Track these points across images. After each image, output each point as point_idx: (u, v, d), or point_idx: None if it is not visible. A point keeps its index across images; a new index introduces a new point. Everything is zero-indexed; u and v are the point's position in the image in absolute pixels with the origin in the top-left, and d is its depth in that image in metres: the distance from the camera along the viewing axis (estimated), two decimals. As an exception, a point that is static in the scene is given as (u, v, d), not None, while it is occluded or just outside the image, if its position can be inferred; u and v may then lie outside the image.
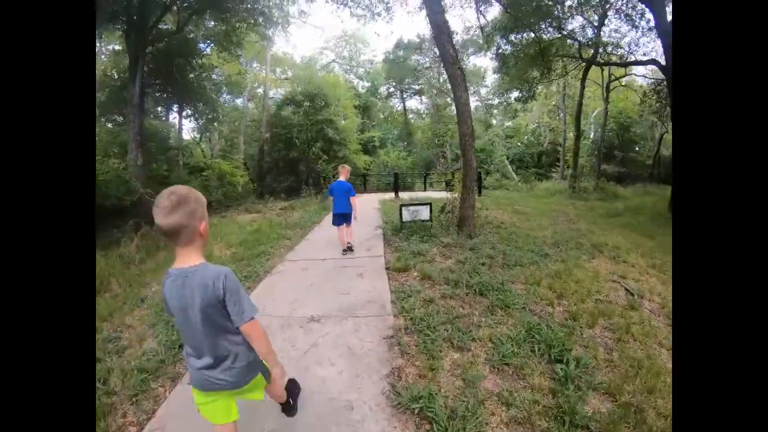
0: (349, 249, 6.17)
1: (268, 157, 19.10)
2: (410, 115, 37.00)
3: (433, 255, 5.88)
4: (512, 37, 16.70)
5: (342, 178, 6.25)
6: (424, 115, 36.93)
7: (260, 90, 23.05)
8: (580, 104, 20.38)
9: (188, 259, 1.55)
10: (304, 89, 17.76)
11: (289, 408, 2.30)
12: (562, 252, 6.38)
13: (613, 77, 20.67)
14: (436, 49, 31.92)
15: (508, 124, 38.16)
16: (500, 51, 17.27)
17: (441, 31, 7.08)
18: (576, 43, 17.03)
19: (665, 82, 14.66)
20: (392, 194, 14.73)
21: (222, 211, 13.57)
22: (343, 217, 6.18)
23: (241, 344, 1.66)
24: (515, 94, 20.29)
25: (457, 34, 31.67)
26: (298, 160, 17.38)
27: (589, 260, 6.00)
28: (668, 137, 25.33)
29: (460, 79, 7.03)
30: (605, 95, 20.59)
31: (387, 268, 5.33)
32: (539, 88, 19.88)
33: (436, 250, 6.12)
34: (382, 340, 3.39)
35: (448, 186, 18.65)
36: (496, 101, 39.49)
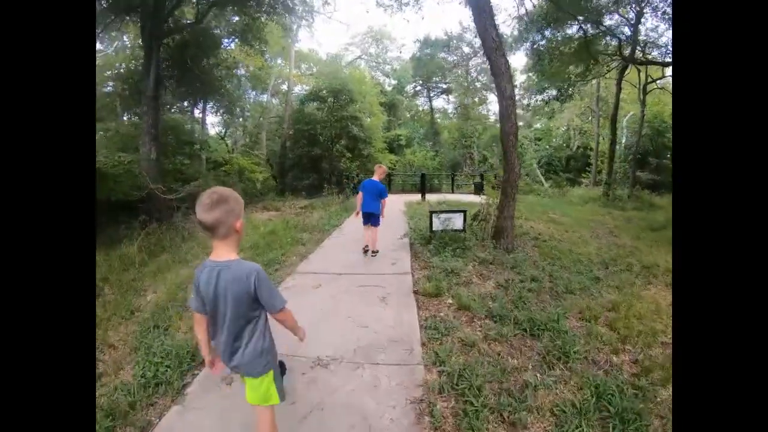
0: (372, 253, 5.86)
1: (291, 154, 18.37)
2: (436, 115, 35.92)
3: (469, 274, 4.95)
4: (547, 32, 15.51)
5: (376, 177, 5.98)
6: (451, 115, 35.78)
7: (284, 86, 22.39)
8: (617, 106, 18.92)
9: (224, 253, 1.67)
10: (329, 84, 16.97)
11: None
12: (613, 274, 5.49)
13: (649, 79, 19.05)
14: (464, 48, 31.49)
15: (537, 126, 36.57)
16: (535, 46, 16.03)
17: (483, 13, 6.10)
18: (615, 40, 15.68)
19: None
20: (418, 196, 13.79)
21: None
22: (369, 217, 5.89)
23: (256, 333, 1.77)
24: (552, 92, 18.84)
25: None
26: (321, 157, 16.57)
27: (644, 287, 5.11)
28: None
29: (504, 68, 6.03)
30: (642, 98, 18.98)
31: (415, 292, 4.42)
32: (577, 86, 18.47)
33: (472, 268, 5.18)
34: (409, 405, 2.49)
35: (478, 189, 17.62)
36: (525, 101, 38.24)
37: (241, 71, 24.14)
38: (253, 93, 24.88)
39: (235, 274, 1.64)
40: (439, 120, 35.76)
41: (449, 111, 36.28)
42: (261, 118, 21.96)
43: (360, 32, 32.42)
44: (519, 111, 36.44)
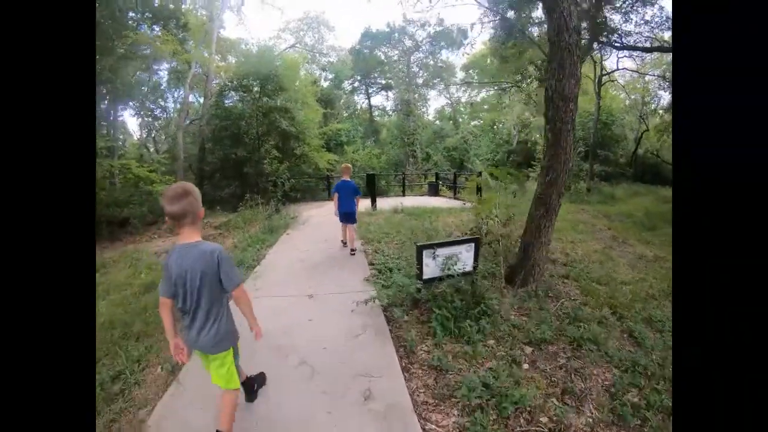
0: (351, 251, 5.64)
1: (211, 157, 14.72)
2: (375, 113, 33.31)
3: (537, 392, 2.29)
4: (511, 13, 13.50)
5: (346, 177, 5.91)
6: (390, 112, 33.32)
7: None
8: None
9: (190, 236, 1.83)
10: (255, 71, 13.34)
11: (249, 392, 2.39)
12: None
13: (604, 71, 17.98)
14: (407, 41, 29.17)
15: (474, 122, 35.37)
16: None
17: (558, 13, 3.67)
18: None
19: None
20: (365, 202, 11.08)
21: (129, 235, 9.23)
22: (348, 216, 5.80)
23: (223, 314, 1.93)
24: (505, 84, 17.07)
25: (429, 26, 28.60)
26: (246, 160, 12.96)
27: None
28: (649, 135, 23.47)
29: (573, 48, 3.62)
30: (597, 90, 17.81)
31: None
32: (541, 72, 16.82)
33: (528, 365, 2.53)
34: None
35: (433, 191, 15.15)
36: (465, 98, 36.83)
37: (163, 66, 20.06)
38: (179, 91, 20.82)
39: (201, 251, 1.80)
40: (377, 118, 33.21)
41: (388, 108, 33.84)
42: (175, 115, 17.83)
43: (295, 17, 28.82)
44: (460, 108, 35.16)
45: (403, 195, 14.89)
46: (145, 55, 17.27)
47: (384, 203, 10.44)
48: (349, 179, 5.84)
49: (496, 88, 20.73)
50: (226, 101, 14.80)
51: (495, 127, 32.88)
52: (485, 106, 36.17)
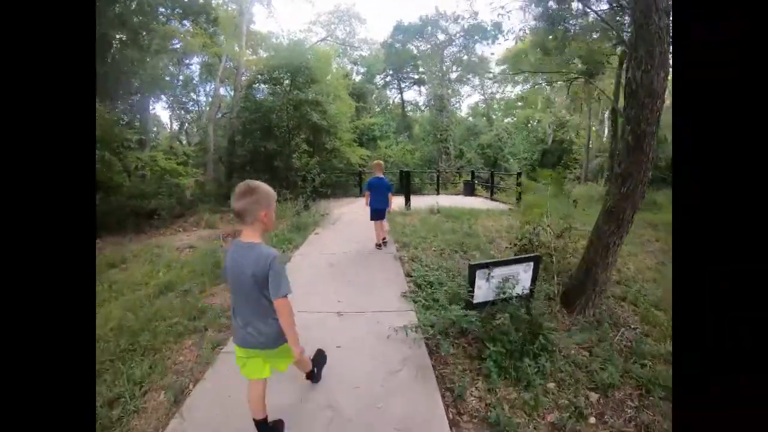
0: (384, 244, 5.68)
1: (241, 150, 14.47)
2: (407, 108, 32.57)
3: None
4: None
5: (378, 174, 5.71)
6: (423, 108, 32.49)
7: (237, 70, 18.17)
8: (617, 95, 16.38)
9: (249, 236, 1.80)
10: (286, 62, 12.81)
11: (312, 375, 2.41)
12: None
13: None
14: (440, 35, 28.27)
15: (507, 120, 34.00)
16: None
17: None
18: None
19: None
20: (398, 200, 10.49)
21: (154, 229, 9.01)
22: (379, 213, 5.64)
23: (271, 316, 1.84)
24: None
25: (463, 19, 27.56)
26: (276, 153, 12.46)
27: None
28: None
29: (664, 33, 2.91)
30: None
31: None
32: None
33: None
34: None
35: (469, 190, 14.31)
36: (500, 93, 35.49)
37: (194, 60, 20.17)
38: (210, 85, 20.94)
39: (256, 253, 1.75)
40: (410, 113, 32.46)
41: (421, 104, 32.99)
42: (206, 108, 17.76)
43: (325, 10, 28.34)
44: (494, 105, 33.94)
45: (438, 193, 14.20)
46: (176, 50, 17.42)
47: (418, 201, 9.83)
48: (381, 176, 5.74)
49: (541, 81, 19.55)
50: (257, 95, 14.51)
51: (529, 125, 31.56)
52: (519, 103, 34.82)
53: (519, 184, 12.38)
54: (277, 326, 1.81)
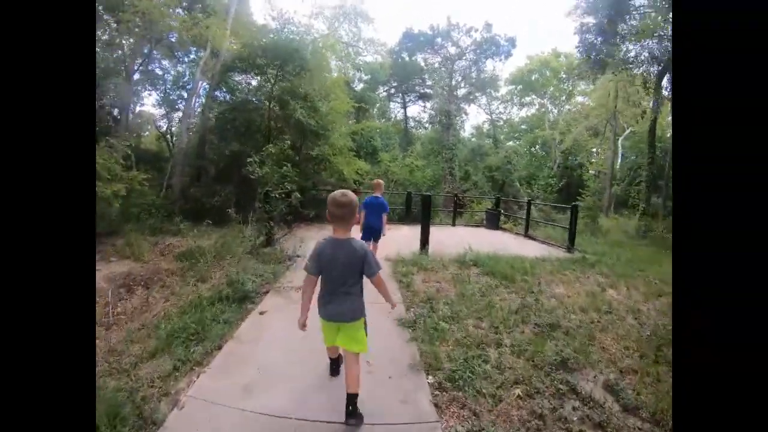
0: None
1: (212, 153, 11.47)
2: (410, 123, 29.91)
3: None
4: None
5: (377, 193, 5.37)
6: (427, 125, 29.79)
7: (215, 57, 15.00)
8: (655, 118, 13.74)
9: (343, 234, 2.21)
10: (273, 45, 9.72)
11: (336, 368, 2.74)
12: None
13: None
14: (450, 47, 25.74)
15: (509, 143, 31.47)
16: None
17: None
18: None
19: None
20: (405, 230, 7.36)
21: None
22: (372, 232, 5.27)
23: (359, 292, 2.29)
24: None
25: (475, 31, 25.12)
26: (244, 156, 8.81)
27: None
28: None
29: None
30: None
31: None
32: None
33: None
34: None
35: (492, 222, 10.96)
36: (504, 117, 33.11)
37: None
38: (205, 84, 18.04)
39: (351, 245, 2.19)
40: (412, 129, 29.78)
41: (424, 120, 30.27)
42: (182, 103, 14.74)
43: (330, 4, 25.56)
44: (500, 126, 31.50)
45: (453, 224, 11.07)
46: (172, 43, 14.61)
47: (435, 240, 6.72)
48: (380, 196, 5.38)
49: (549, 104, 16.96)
50: (239, 86, 11.50)
51: (534, 148, 29.18)
52: (522, 126, 32.57)
53: (528, 214, 9.51)
54: (359, 302, 2.26)
